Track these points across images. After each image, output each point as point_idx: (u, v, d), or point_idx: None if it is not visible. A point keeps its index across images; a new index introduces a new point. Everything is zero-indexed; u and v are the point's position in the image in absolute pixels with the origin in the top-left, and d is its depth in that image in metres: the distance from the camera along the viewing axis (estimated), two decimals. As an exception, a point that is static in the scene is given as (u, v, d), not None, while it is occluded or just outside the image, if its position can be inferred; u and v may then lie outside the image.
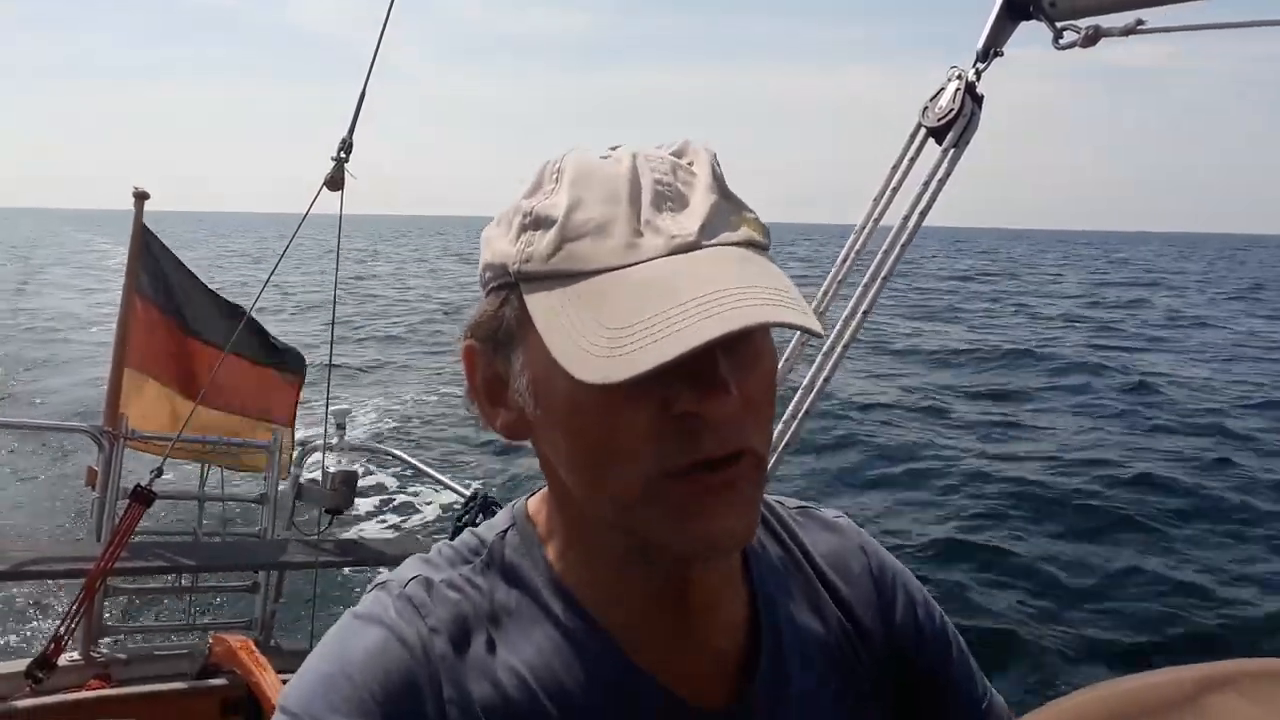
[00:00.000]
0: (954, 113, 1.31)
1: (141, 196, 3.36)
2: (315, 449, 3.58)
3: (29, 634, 5.13)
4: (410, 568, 0.70)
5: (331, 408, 3.54)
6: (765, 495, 0.78)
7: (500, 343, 0.64)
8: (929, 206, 1.33)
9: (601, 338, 0.55)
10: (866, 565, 0.79)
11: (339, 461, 3.49)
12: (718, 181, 0.61)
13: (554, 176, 0.61)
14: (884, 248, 1.37)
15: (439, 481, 3.79)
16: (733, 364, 0.58)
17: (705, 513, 0.59)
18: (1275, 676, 0.41)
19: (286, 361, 3.82)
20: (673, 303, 0.54)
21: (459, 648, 0.65)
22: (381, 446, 4.32)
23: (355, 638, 0.65)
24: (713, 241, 0.58)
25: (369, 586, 0.70)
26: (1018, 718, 0.45)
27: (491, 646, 0.65)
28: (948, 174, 1.33)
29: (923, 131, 1.36)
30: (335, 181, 2.94)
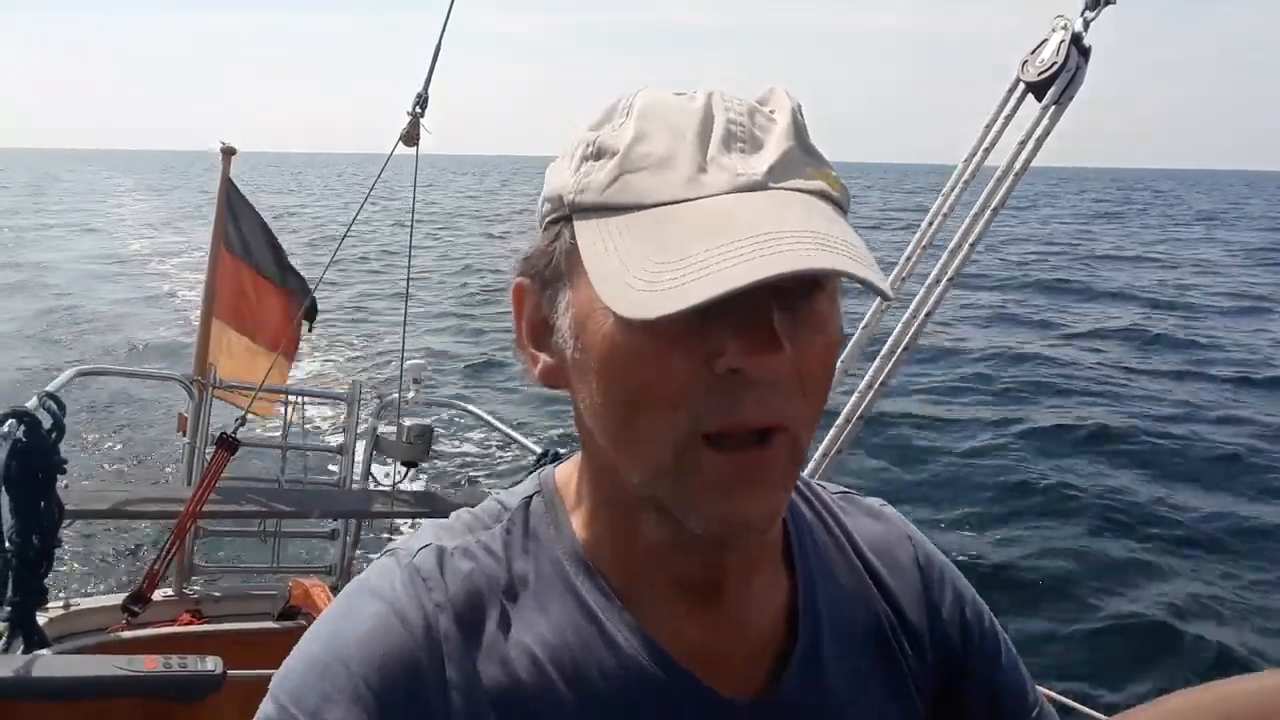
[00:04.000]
0: (1057, 67, 1.21)
1: (229, 152, 3.44)
2: (392, 402, 3.66)
3: (126, 571, 5.42)
4: (424, 534, 0.65)
5: (407, 363, 3.61)
6: (806, 479, 0.74)
7: (548, 280, 0.59)
8: (1025, 167, 1.24)
9: (645, 271, 0.50)
10: (913, 555, 0.73)
11: (415, 415, 3.57)
12: (797, 130, 0.56)
13: (624, 111, 0.57)
14: (974, 210, 1.29)
15: (511, 437, 3.84)
16: (790, 324, 0.53)
17: (731, 493, 0.54)
18: None
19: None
20: (726, 239, 0.50)
21: (467, 625, 0.60)
22: (457, 401, 4.39)
23: (356, 614, 0.60)
24: (781, 185, 0.54)
25: (381, 551, 0.66)
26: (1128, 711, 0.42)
27: (505, 622, 0.60)
28: (1047, 132, 1.23)
29: (1021, 86, 1.27)
30: (411, 137, 2.95)
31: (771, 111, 0.57)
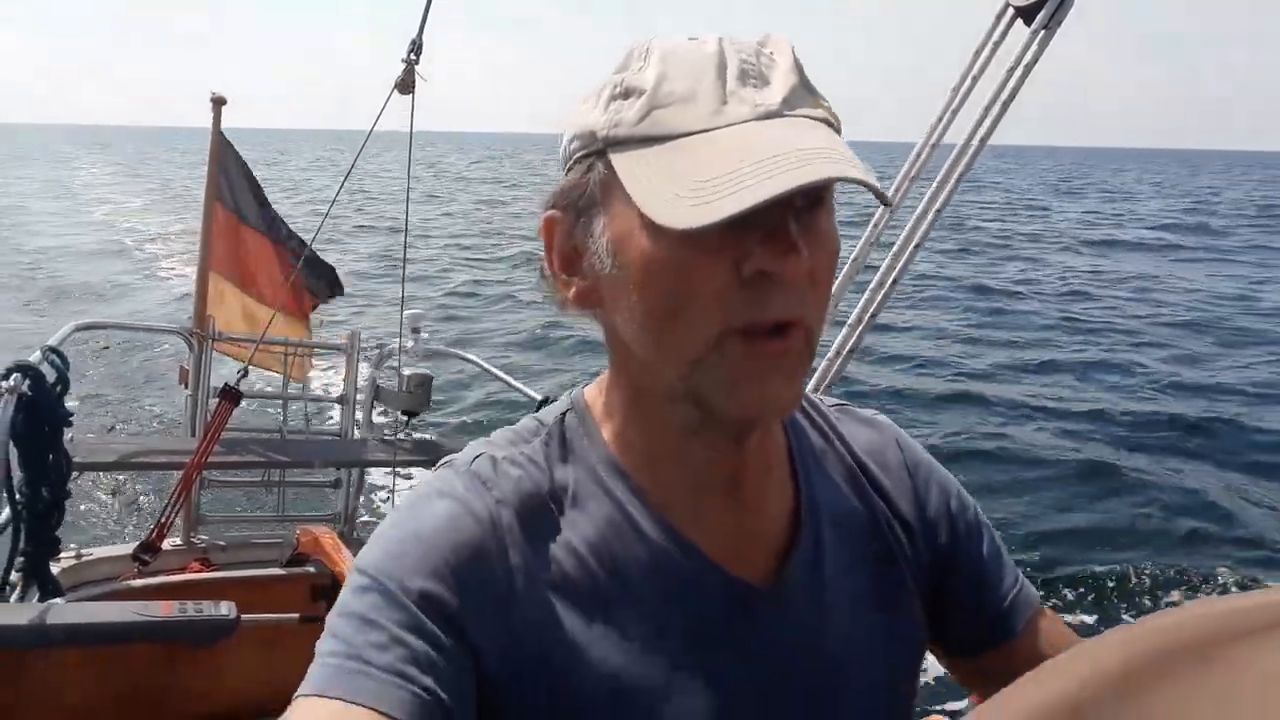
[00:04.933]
0: (1046, -10, 1.21)
1: (219, 102, 3.41)
2: (391, 352, 3.68)
3: (134, 523, 5.50)
4: (474, 448, 0.73)
5: (406, 312, 3.62)
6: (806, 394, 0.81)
7: (582, 210, 0.66)
8: (1014, 95, 1.23)
9: (687, 189, 0.58)
10: (901, 458, 0.81)
11: (415, 364, 3.59)
12: (798, 67, 0.64)
13: (642, 55, 0.64)
14: (963, 140, 1.30)
15: (511, 385, 3.87)
16: (803, 234, 0.60)
17: (758, 378, 0.62)
18: None
19: (322, 278, 3.87)
20: (760, 155, 0.58)
21: (523, 521, 0.67)
22: (456, 350, 4.41)
23: (427, 509, 0.68)
24: (794, 113, 0.62)
25: (435, 466, 0.73)
26: (1097, 636, 0.44)
27: (553, 523, 0.68)
28: (1035, 59, 1.22)
29: (1010, 11, 1.26)
30: (406, 84, 2.92)
31: (771, 53, 0.64)
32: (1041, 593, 0.85)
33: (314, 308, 3.98)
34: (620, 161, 0.63)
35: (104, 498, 5.81)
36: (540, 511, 0.68)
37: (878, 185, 0.59)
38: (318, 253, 3.79)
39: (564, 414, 0.74)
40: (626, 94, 0.63)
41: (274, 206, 3.86)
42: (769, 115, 0.61)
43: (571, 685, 0.65)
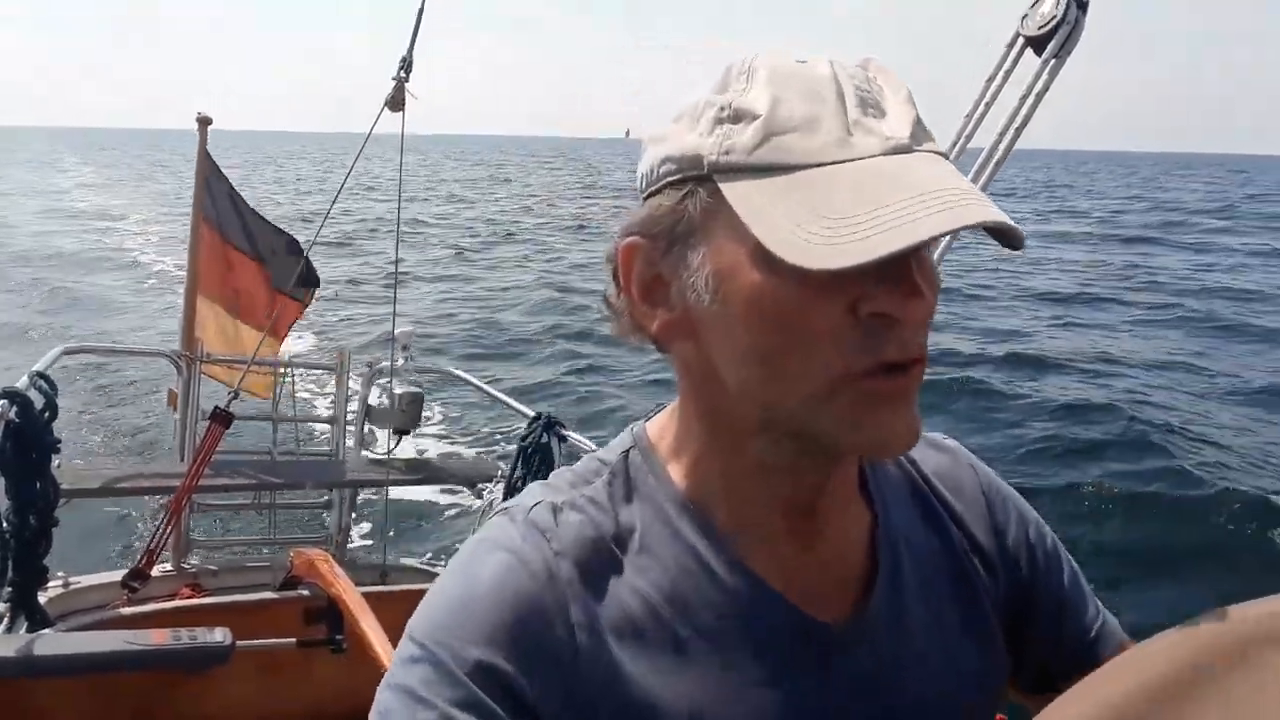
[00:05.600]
0: (1056, 20, 1.22)
1: (204, 122, 3.38)
2: (382, 371, 3.65)
3: (124, 548, 5.42)
4: (533, 494, 0.69)
5: (397, 330, 3.59)
6: None
7: (677, 238, 0.62)
8: (1025, 122, 1.26)
9: (821, 227, 0.55)
10: (977, 483, 0.78)
11: (406, 383, 3.56)
12: (912, 98, 0.61)
13: (743, 76, 0.60)
14: (976, 166, 1.31)
15: (504, 403, 3.85)
16: (920, 273, 0.58)
17: (880, 416, 0.59)
18: None
19: (304, 283, 3.81)
20: (900, 196, 0.55)
21: (585, 571, 0.64)
22: (447, 368, 4.39)
23: (481, 564, 0.64)
24: (921, 148, 0.59)
25: (490, 513, 0.70)
26: (1140, 644, 0.44)
27: (618, 568, 0.65)
28: (1046, 86, 1.24)
29: (1020, 41, 1.27)
30: (396, 102, 2.92)
31: (878, 79, 0.61)
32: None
33: (300, 313, 3.92)
34: (733, 191, 0.58)
35: (93, 524, 5.73)
36: (604, 558, 0.65)
37: (1019, 229, 0.57)
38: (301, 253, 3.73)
39: (628, 451, 0.71)
40: (737, 117, 0.59)
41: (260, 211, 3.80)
42: (900, 150, 0.58)
43: None
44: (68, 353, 3.27)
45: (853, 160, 0.57)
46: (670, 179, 0.62)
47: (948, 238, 0.59)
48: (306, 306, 3.90)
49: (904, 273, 0.57)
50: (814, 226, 0.55)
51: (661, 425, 0.71)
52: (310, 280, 3.82)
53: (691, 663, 0.63)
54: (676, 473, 0.68)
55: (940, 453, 0.79)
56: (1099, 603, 0.80)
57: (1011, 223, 0.55)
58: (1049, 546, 0.79)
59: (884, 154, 0.57)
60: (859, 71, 0.60)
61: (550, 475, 0.72)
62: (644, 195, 0.65)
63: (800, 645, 0.66)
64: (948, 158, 0.60)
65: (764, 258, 0.56)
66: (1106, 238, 27.82)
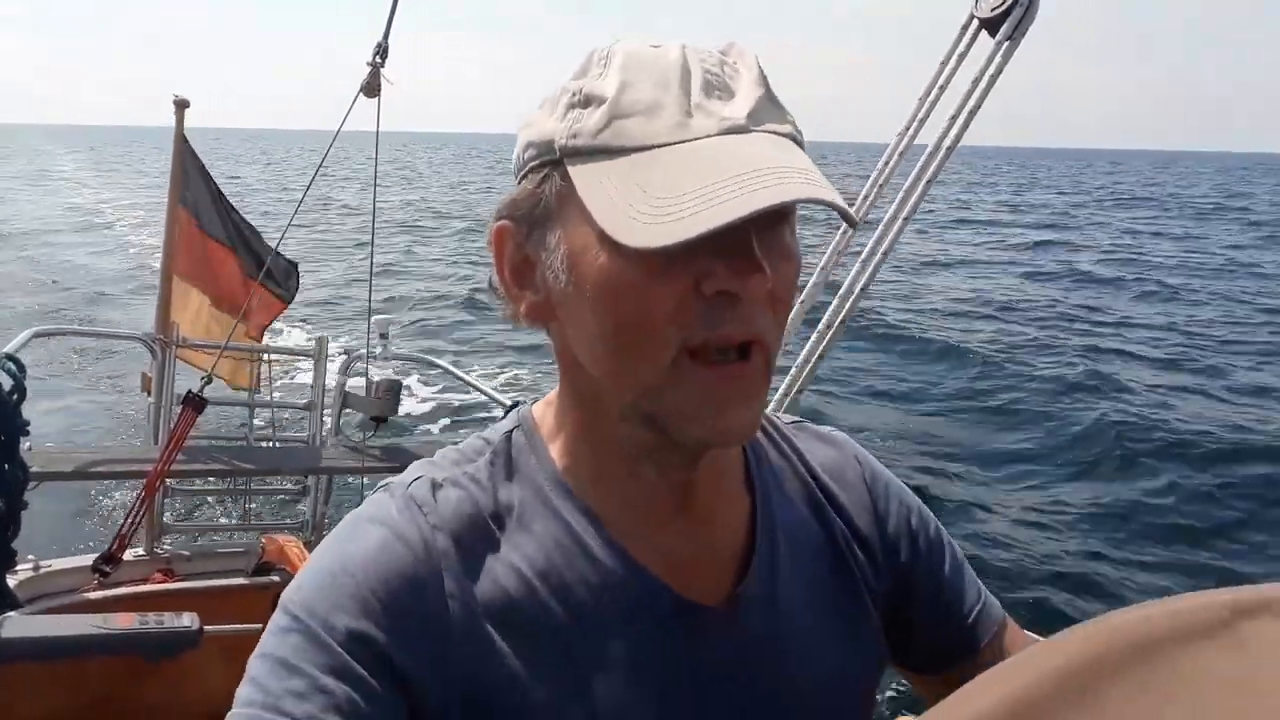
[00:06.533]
0: (1010, 2, 1.23)
1: (181, 105, 3.35)
2: (359, 358, 3.64)
3: (96, 532, 5.39)
4: (414, 470, 0.69)
5: (374, 317, 3.58)
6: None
7: (536, 221, 0.63)
8: (980, 103, 1.25)
9: (648, 206, 0.56)
10: (860, 473, 0.80)
11: (383, 370, 3.55)
12: (763, 79, 0.62)
13: (602, 62, 0.62)
14: (930, 148, 1.31)
15: (480, 390, 3.85)
16: (764, 249, 0.58)
17: (717, 402, 0.60)
18: None
19: (285, 279, 3.80)
20: (724, 174, 0.55)
21: (461, 546, 0.64)
22: (425, 356, 4.37)
23: (357, 538, 0.64)
24: (760, 128, 0.59)
25: (372, 490, 0.70)
26: (1047, 639, 0.45)
27: (494, 544, 0.65)
28: (1000, 69, 1.24)
29: (975, 23, 1.27)
30: (371, 88, 2.90)
31: (734, 63, 0.62)
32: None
33: (282, 309, 3.90)
34: (579, 174, 0.60)
35: (66, 508, 5.70)
36: (481, 535, 0.65)
37: (846, 206, 0.57)
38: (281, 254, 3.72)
39: (510, 431, 0.71)
40: (586, 102, 0.60)
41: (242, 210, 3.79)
42: (735, 130, 0.58)
43: (516, 717, 0.62)
44: (39, 335, 3.24)
45: (687, 141, 0.58)
46: (532, 164, 0.63)
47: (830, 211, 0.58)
48: (288, 303, 3.87)
49: (743, 248, 0.57)
50: (642, 206, 0.56)
51: (545, 406, 0.72)
52: (291, 277, 3.80)
53: (563, 639, 0.64)
54: (557, 453, 0.69)
55: (827, 445, 0.81)
56: (982, 587, 0.82)
57: (833, 200, 0.56)
58: (931, 533, 0.81)
59: (719, 134, 0.58)
60: (712, 55, 0.62)
61: (435, 454, 0.72)
62: (516, 180, 0.66)
63: (673, 624, 0.66)
64: (796, 138, 0.61)
65: (609, 239, 0.57)
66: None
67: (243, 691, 0.60)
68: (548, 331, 0.68)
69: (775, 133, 0.60)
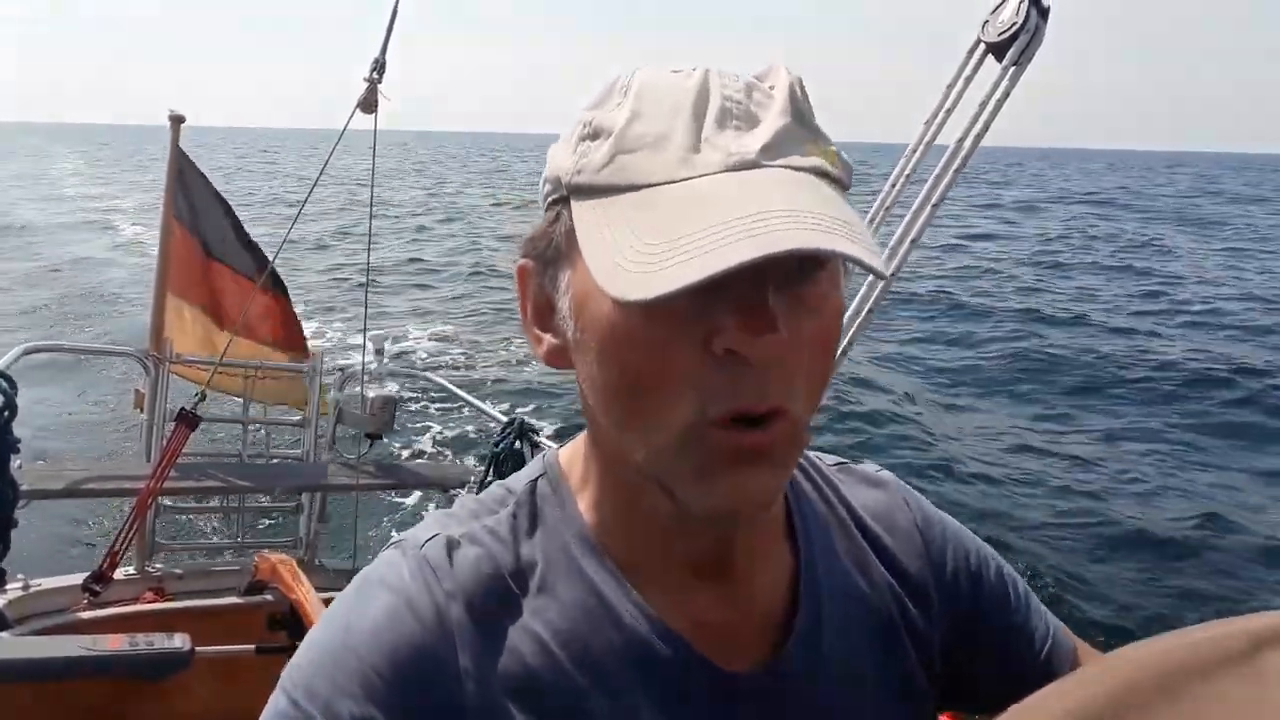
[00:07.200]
0: (1017, 27, 1.22)
1: (177, 120, 3.34)
2: (354, 374, 3.62)
3: (87, 551, 5.33)
4: (429, 525, 0.65)
5: (370, 334, 3.56)
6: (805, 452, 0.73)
7: (550, 260, 0.59)
8: (986, 128, 1.25)
9: (636, 253, 0.50)
10: (912, 518, 0.74)
11: (379, 386, 3.53)
12: (794, 105, 0.55)
13: (622, 90, 0.57)
14: (936, 171, 1.31)
15: (477, 407, 3.83)
16: (788, 305, 0.52)
17: (732, 475, 0.54)
18: None
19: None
20: (716, 219, 0.49)
21: (477, 614, 0.59)
22: (421, 372, 4.36)
23: (364, 607, 0.60)
24: (775, 163, 0.53)
25: (385, 546, 0.65)
26: (1065, 676, 0.44)
27: (515, 609, 0.61)
28: (1007, 93, 1.24)
29: (981, 47, 1.27)
30: (369, 104, 2.89)
31: (770, 87, 0.56)
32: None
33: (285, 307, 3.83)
34: (581, 212, 0.55)
35: (57, 526, 5.64)
36: (500, 598, 0.60)
37: (866, 258, 0.49)
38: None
39: (536, 480, 0.66)
40: (595, 134, 0.56)
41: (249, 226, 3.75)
42: (743, 166, 0.52)
43: None
44: (29, 351, 3.21)
45: (689, 179, 0.52)
46: (549, 198, 0.60)
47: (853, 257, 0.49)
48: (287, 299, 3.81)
49: (755, 303, 0.51)
50: (630, 252, 0.50)
51: (573, 453, 0.67)
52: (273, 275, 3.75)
53: (586, 714, 0.59)
54: (585, 506, 0.64)
55: (873, 488, 0.75)
56: (1050, 617, 0.77)
57: (847, 251, 0.48)
58: (992, 574, 0.75)
59: (724, 171, 0.52)
60: (737, 82, 0.56)
61: (454, 503, 0.68)
62: (542, 213, 0.62)
63: (704, 695, 0.61)
64: (825, 170, 0.54)
65: None
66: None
67: None
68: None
69: (795, 168, 0.53)
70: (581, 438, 0.67)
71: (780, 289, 0.52)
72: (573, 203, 0.56)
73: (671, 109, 0.54)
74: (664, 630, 0.61)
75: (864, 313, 1.35)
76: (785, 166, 0.53)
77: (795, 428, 0.55)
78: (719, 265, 0.47)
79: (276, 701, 0.58)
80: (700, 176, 0.52)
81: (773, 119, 0.54)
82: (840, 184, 0.56)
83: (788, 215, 0.49)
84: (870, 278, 1.34)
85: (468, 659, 0.58)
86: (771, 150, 0.53)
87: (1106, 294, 17.07)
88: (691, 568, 0.63)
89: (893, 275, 1.32)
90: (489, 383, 9.85)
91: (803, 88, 0.57)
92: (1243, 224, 33.29)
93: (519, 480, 0.67)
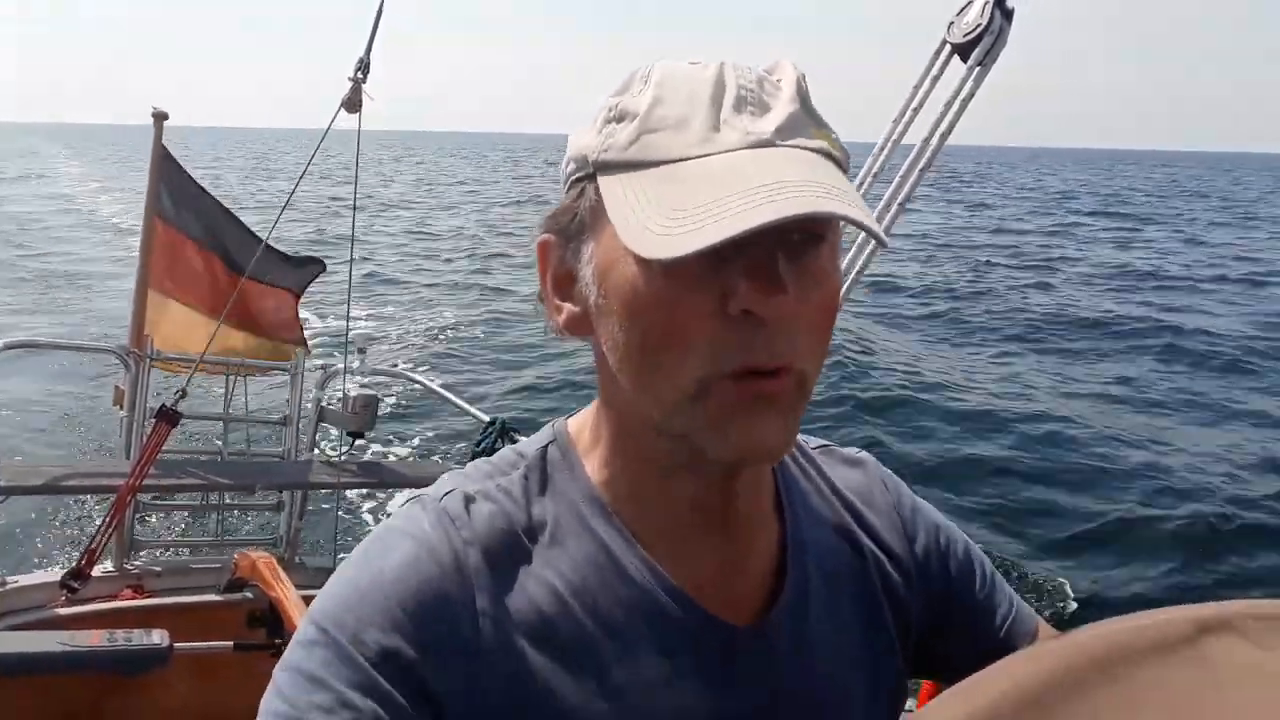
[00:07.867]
0: (981, 28, 1.25)
1: (160, 117, 3.33)
2: (337, 373, 3.62)
3: (65, 548, 5.30)
4: (446, 482, 0.70)
5: (353, 332, 3.56)
6: None
7: (573, 234, 0.65)
8: (951, 128, 1.29)
9: (664, 218, 0.56)
10: (889, 499, 0.80)
11: (360, 385, 3.53)
12: (801, 95, 0.62)
13: (643, 79, 0.63)
14: (902, 171, 1.34)
15: (459, 407, 3.83)
16: (795, 271, 0.58)
17: (745, 421, 0.60)
18: (1277, 619, 0.40)
19: (299, 273, 3.72)
20: (738, 188, 0.55)
21: (493, 561, 0.64)
22: (403, 371, 4.36)
23: (387, 551, 0.64)
24: (787, 143, 0.60)
25: (403, 502, 0.70)
26: (1012, 655, 0.45)
27: (527, 560, 0.65)
28: (972, 93, 1.28)
29: (947, 48, 1.30)
30: (353, 104, 2.90)
31: (778, 80, 0.63)
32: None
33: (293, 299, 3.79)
34: (608, 186, 0.61)
35: (35, 522, 5.60)
36: (514, 551, 0.65)
37: (870, 224, 0.56)
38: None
39: (546, 445, 0.71)
40: (620, 117, 0.62)
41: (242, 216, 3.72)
42: (760, 144, 0.59)
43: None
44: (10, 347, 3.20)
45: (710, 155, 0.58)
46: (572, 177, 0.66)
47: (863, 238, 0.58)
48: (298, 295, 3.78)
49: (768, 266, 0.57)
50: (658, 217, 0.56)
51: (581, 421, 0.72)
52: (303, 266, 3.71)
53: (594, 657, 0.64)
54: (592, 468, 0.69)
55: (854, 468, 0.82)
56: (1013, 595, 0.83)
57: (855, 217, 0.55)
58: (960, 553, 0.81)
59: (743, 149, 0.59)
60: (750, 73, 0.62)
61: (468, 466, 0.73)
62: (564, 194, 0.68)
63: (704, 645, 0.67)
64: (830, 153, 0.61)
65: (632, 251, 0.58)
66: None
67: (267, 703, 0.60)
68: (590, 343, 0.68)
69: (804, 148, 0.60)
70: (590, 406, 0.72)
71: (788, 258, 0.58)
72: (600, 178, 0.62)
73: (690, 95, 0.61)
74: (668, 583, 0.67)
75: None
76: (796, 146, 0.60)
77: (801, 381, 0.61)
78: (742, 225, 0.53)
79: (304, 631, 0.62)
80: (721, 153, 0.59)
81: (783, 105, 0.61)
82: (840, 166, 0.62)
83: (803, 185, 0.56)
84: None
85: (485, 601, 0.63)
86: (784, 132, 0.60)
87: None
88: (693, 524, 0.68)
89: (861, 270, 1.35)
90: (470, 384, 9.85)
91: (805, 80, 0.63)
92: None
93: (531, 445, 0.72)
